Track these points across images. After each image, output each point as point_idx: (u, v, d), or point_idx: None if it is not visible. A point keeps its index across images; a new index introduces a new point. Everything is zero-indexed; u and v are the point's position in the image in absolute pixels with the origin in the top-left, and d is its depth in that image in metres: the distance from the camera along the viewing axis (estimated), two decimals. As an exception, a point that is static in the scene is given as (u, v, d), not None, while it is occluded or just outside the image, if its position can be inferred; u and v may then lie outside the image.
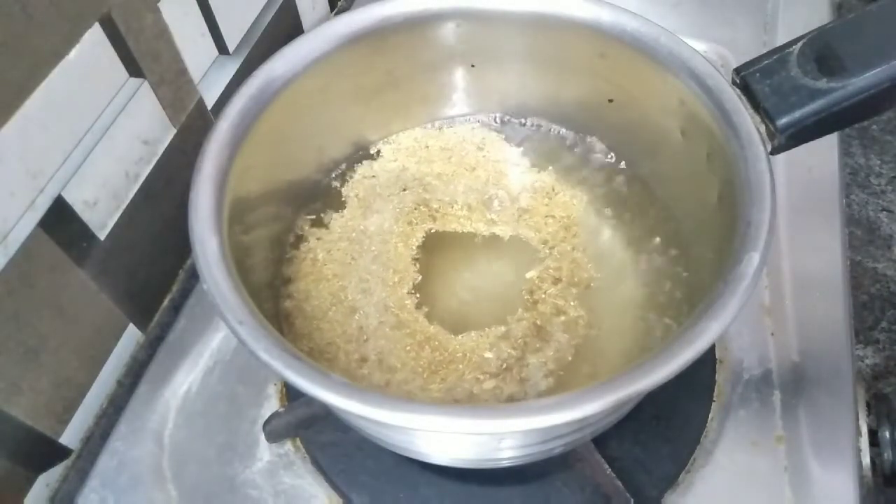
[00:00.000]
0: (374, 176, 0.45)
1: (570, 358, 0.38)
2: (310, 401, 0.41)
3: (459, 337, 0.39)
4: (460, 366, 0.38)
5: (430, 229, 0.43)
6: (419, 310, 0.40)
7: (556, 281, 0.41)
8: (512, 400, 0.37)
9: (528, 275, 0.41)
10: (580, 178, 0.45)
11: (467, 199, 0.44)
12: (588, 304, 0.40)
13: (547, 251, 0.42)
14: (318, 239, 0.43)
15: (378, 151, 0.46)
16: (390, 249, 0.42)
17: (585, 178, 0.45)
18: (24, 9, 0.34)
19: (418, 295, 0.41)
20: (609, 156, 0.45)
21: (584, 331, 0.39)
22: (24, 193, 0.37)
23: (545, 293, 0.40)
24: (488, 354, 0.39)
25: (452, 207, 0.44)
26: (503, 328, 0.39)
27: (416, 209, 0.44)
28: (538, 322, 0.40)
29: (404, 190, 0.44)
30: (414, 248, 0.42)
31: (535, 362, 0.38)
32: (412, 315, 0.40)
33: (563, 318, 0.40)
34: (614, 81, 0.41)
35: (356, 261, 0.42)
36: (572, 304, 0.40)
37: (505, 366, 0.38)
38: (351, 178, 0.45)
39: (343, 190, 0.45)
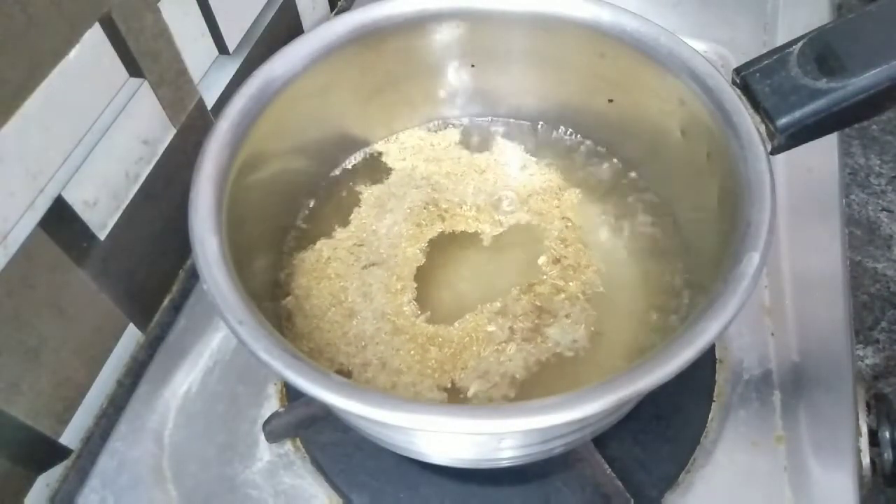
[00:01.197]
0: (389, 173, 0.45)
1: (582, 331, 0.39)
2: (310, 401, 0.41)
3: (455, 324, 0.39)
4: (473, 347, 0.38)
5: (440, 231, 0.43)
6: (419, 317, 0.40)
7: (556, 262, 0.41)
8: (555, 357, 0.38)
9: (540, 260, 0.41)
10: (580, 179, 0.45)
11: (476, 199, 0.44)
12: (590, 301, 0.40)
13: (551, 252, 0.42)
14: (324, 238, 0.43)
15: (381, 151, 0.46)
16: (398, 254, 0.42)
17: (586, 179, 0.45)
18: (24, 9, 0.34)
19: (419, 303, 0.41)
20: (609, 156, 0.45)
21: (589, 307, 0.40)
22: (24, 193, 0.37)
23: (545, 275, 0.41)
24: (491, 328, 0.39)
25: (461, 208, 0.44)
26: (498, 304, 0.40)
27: (425, 208, 0.44)
28: (537, 303, 0.40)
29: (416, 188, 0.45)
30: (419, 251, 0.42)
31: (554, 332, 0.39)
32: (409, 321, 0.40)
33: (563, 295, 0.40)
34: (614, 81, 0.41)
35: (360, 263, 0.42)
36: (571, 283, 0.40)
37: (521, 337, 0.39)
38: (364, 175, 0.45)
39: (349, 188, 0.45)
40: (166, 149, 0.46)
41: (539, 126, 0.47)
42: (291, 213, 0.43)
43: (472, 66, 0.44)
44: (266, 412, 0.45)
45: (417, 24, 0.40)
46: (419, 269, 0.42)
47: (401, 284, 0.41)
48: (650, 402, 0.42)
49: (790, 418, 0.43)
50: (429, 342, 0.39)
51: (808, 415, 0.43)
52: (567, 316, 0.39)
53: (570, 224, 0.43)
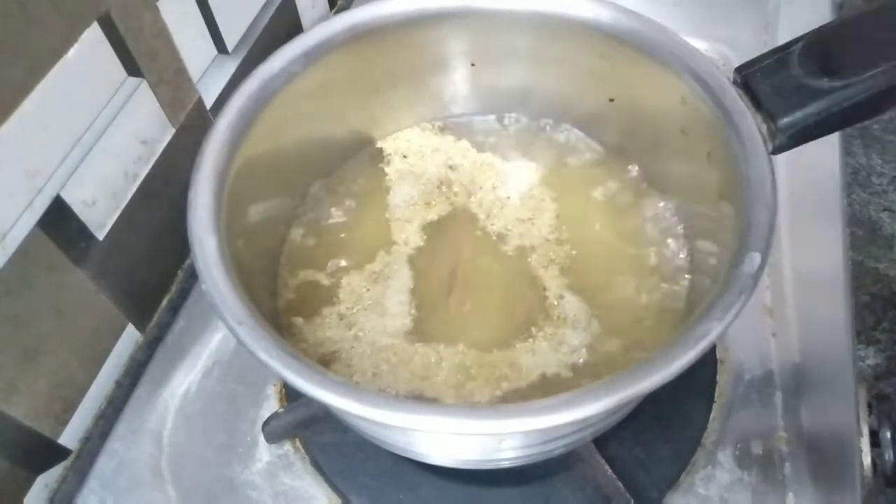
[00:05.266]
0: (391, 169, 0.45)
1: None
2: (309, 401, 0.41)
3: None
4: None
5: (443, 212, 0.44)
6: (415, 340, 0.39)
7: (562, 275, 0.41)
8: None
9: (540, 269, 0.41)
10: (580, 178, 0.45)
11: (484, 194, 0.44)
12: (590, 304, 0.40)
13: (547, 252, 0.42)
14: (324, 236, 0.43)
15: (383, 149, 0.46)
16: (396, 244, 0.42)
17: (585, 178, 0.45)
18: (23, 8, 0.34)
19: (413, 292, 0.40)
20: (609, 155, 0.45)
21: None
22: (23, 193, 0.37)
23: (547, 293, 0.40)
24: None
25: (470, 197, 0.44)
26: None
27: (439, 187, 0.44)
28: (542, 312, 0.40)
29: (435, 167, 0.45)
30: (418, 235, 0.42)
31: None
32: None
33: (564, 300, 0.40)
34: (615, 81, 0.41)
35: (362, 259, 0.42)
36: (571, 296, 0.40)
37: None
38: (363, 173, 0.45)
39: (349, 186, 0.45)
40: (165, 148, 0.46)
41: (539, 125, 0.46)
42: (291, 211, 0.43)
43: (472, 65, 0.44)
44: (265, 413, 0.44)
45: (417, 23, 0.40)
46: (418, 255, 0.42)
47: (402, 298, 0.41)
48: (651, 403, 0.42)
49: (791, 419, 0.43)
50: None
51: (810, 415, 0.43)
52: (575, 324, 0.39)
53: (567, 226, 0.43)
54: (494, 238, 0.43)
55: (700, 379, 0.44)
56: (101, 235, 0.43)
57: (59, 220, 0.39)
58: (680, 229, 0.42)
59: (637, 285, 0.40)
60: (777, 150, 0.34)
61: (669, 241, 0.42)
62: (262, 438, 0.44)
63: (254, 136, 0.36)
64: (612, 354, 0.38)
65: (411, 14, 0.40)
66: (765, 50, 0.35)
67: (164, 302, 0.50)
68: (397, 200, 0.44)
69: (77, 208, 0.40)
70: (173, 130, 0.46)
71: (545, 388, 0.37)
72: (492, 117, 0.47)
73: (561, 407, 0.27)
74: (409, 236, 0.43)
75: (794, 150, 0.35)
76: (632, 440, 0.42)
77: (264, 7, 0.55)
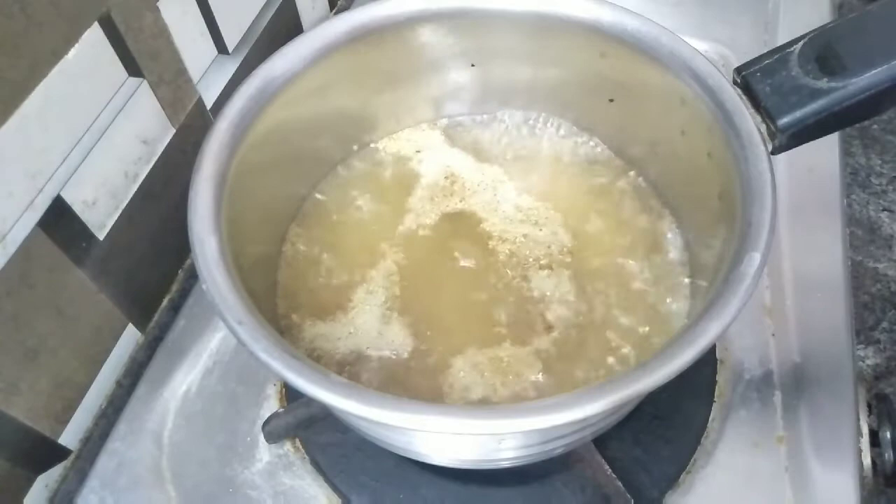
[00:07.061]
0: (393, 169, 0.45)
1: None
2: (309, 401, 0.41)
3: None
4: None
5: (450, 210, 0.43)
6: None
7: (560, 275, 0.41)
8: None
9: (541, 272, 0.41)
10: (579, 179, 0.45)
11: (484, 193, 0.44)
12: (588, 304, 0.40)
13: (548, 253, 0.42)
14: (325, 237, 0.43)
15: (383, 149, 0.46)
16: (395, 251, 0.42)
17: (584, 179, 0.45)
18: (24, 8, 0.34)
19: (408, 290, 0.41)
20: (609, 155, 0.45)
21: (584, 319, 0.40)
22: (23, 193, 0.37)
23: (547, 295, 0.40)
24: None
25: (469, 196, 0.44)
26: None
27: (439, 186, 0.44)
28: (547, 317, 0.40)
29: (432, 177, 0.45)
30: (423, 234, 0.42)
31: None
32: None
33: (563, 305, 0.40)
34: (615, 81, 0.41)
35: (363, 261, 0.42)
36: (571, 298, 0.40)
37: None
38: (364, 172, 0.45)
39: (348, 186, 0.45)
40: (165, 148, 0.46)
41: (538, 125, 0.47)
42: (291, 212, 0.43)
43: (472, 65, 0.44)
44: (265, 413, 0.44)
45: (417, 23, 0.40)
46: (417, 255, 0.42)
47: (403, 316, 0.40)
48: (651, 403, 0.42)
49: (791, 419, 0.43)
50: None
51: (809, 415, 0.43)
52: (573, 324, 0.39)
53: (566, 226, 0.43)
54: (493, 237, 0.43)
55: (700, 379, 0.45)
56: (101, 235, 0.43)
57: (60, 220, 0.39)
58: (679, 229, 0.42)
59: (636, 285, 0.41)
60: (777, 151, 0.34)
61: (669, 241, 0.42)
62: (262, 438, 0.44)
63: (254, 136, 0.36)
64: (611, 355, 0.38)
65: (411, 14, 0.40)
66: (765, 50, 0.35)
67: (165, 302, 0.50)
68: (397, 200, 0.44)
69: (77, 208, 0.40)
70: (173, 130, 0.46)
71: (540, 390, 0.37)
72: (491, 117, 0.47)
73: (561, 407, 0.27)
74: (408, 235, 0.43)
75: (794, 150, 0.35)
76: (632, 440, 0.42)
77: (264, 7, 0.55)
